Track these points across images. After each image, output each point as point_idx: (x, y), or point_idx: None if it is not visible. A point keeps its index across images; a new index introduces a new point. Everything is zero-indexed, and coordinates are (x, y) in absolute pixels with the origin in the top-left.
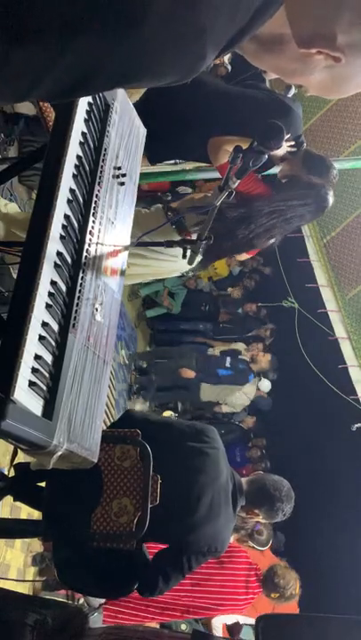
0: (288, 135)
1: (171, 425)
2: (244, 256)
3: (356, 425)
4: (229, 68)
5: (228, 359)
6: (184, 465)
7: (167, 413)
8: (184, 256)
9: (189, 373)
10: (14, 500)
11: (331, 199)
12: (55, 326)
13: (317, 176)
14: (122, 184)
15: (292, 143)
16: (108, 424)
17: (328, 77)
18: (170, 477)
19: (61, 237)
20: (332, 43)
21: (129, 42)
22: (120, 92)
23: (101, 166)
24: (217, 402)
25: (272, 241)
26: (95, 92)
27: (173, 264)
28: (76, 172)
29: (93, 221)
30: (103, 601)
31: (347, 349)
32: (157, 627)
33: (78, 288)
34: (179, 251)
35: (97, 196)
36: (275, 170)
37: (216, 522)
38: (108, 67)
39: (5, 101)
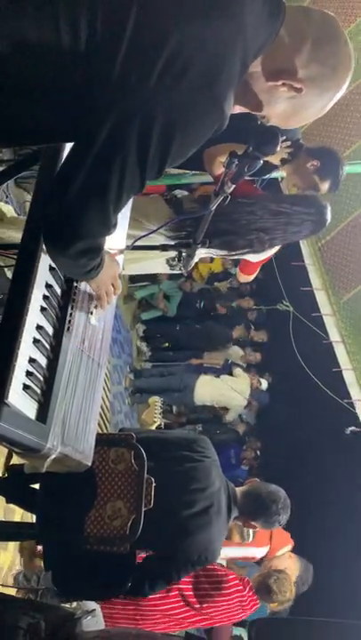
0: (284, 137)
1: (161, 438)
2: (243, 277)
3: (350, 428)
4: None
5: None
6: (175, 473)
7: (153, 400)
8: (179, 259)
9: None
10: (7, 502)
11: (329, 215)
12: (50, 329)
13: (327, 169)
14: None
15: (289, 143)
16: (103, 426)
17: (290, 107)
18: (161, 486)
19: None
20: (295, 76)
21: (184, 137)
22: None
23: None
24: (212, 405)
25: (267, 246)
26: None
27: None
28: None
29: None
30: (97, 605)
31: (341, 353)
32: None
33: (73, 291)
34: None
35: None
36: (276, 174)
37: (208, 531)
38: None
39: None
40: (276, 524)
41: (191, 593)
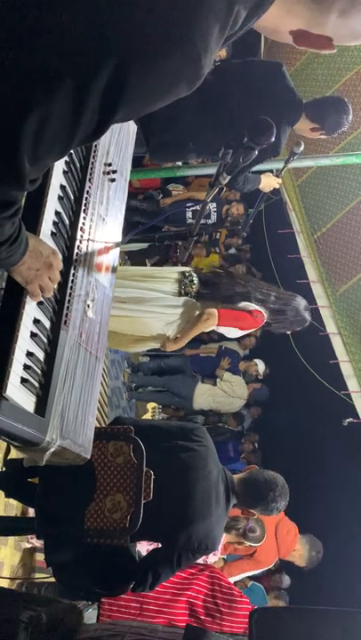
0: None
1: (159, 426)
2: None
3: (348, 420)
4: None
5: None
6: (173, 463)
7: (151, 405)
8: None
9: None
10: (6, 497)
11: (308, 318)
12: (47, 323)
13: (331, 126)
14: (112, 180)
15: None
16: (101, 420)
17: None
18: (160, 476)
19: (52, 234)
20: None
21: (144, 78)
22: None
23: (92, 162)
24: (210, 410)
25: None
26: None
27: (157, 321)
28: (66, 169)
29: (84, 218)
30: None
31: (338, 345)
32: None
33: (70, 284)
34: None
35: (88, 192)
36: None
37: (208, 519)
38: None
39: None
40: (274, 511)
41: (201, 603)
